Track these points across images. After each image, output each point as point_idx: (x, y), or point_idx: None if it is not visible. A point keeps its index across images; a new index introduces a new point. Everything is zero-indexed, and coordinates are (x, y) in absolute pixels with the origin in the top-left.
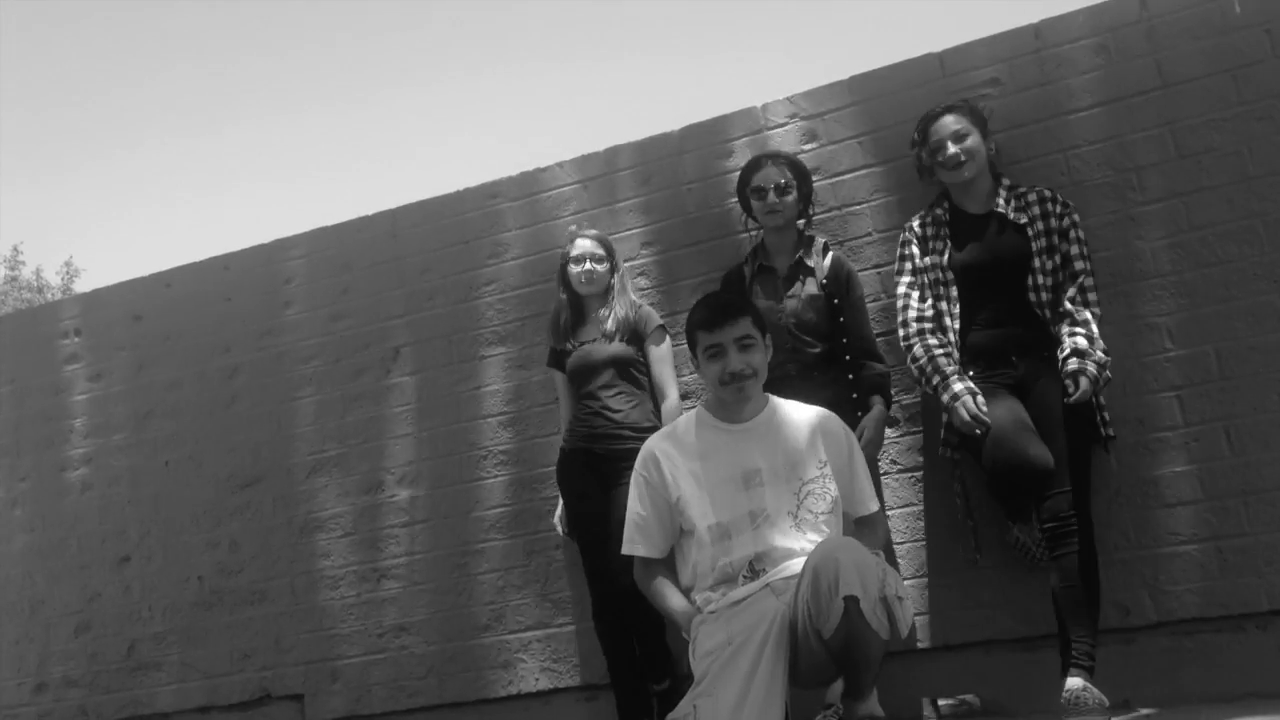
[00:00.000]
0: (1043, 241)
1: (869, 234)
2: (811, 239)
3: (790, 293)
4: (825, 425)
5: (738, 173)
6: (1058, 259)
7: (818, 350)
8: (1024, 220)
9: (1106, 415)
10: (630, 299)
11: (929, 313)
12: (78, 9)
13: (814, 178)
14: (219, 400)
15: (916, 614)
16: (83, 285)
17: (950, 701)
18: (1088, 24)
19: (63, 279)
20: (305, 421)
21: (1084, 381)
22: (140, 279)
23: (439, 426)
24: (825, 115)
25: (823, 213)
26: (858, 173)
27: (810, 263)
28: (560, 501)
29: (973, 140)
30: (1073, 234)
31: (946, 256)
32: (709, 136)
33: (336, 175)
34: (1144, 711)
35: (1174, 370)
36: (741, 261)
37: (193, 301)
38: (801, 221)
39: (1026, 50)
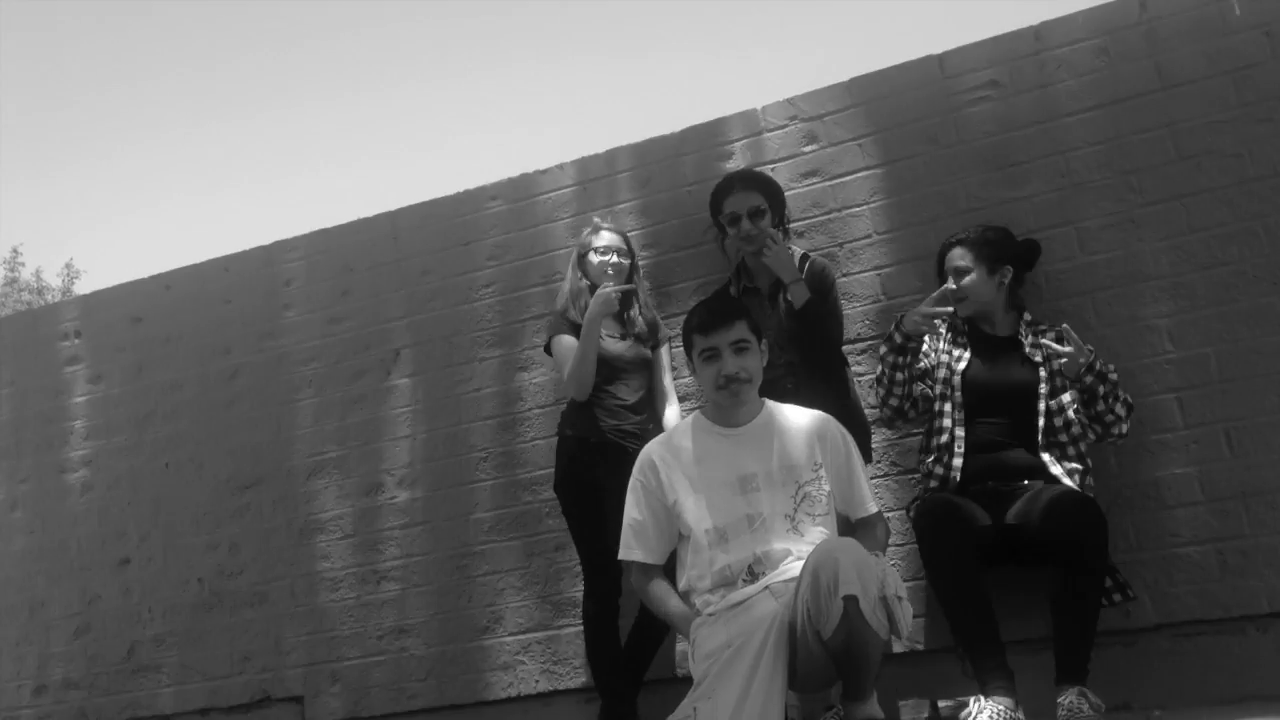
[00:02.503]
0: (1057, 382)
1: (869, 235)
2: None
3: (775, 309)
4: (822, 428)
5: None
6: (1065, 400)
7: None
8: (1038, 358)
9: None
10: (649, 300)
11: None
12: (76, 8)
13: (813, 179)
14: (219, 402)
15: (916, 615)
16: (82, 287)
17: (950, 702)
18: (1087, 26)
19: (63, 280)
20: (305, 423)
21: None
22: (140, 281)
23: (439, 428)
24: (825, 117)
25: (822, 215)
26: (857, 175)
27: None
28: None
29: (970, 280)
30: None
31: (962, 365)
32: (708, 138)
33: (338, 174)
34: (1157, 712)
35: (1174, 372)
36: (726, 282)
37: (193, 303)
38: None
39: (1026, 52)
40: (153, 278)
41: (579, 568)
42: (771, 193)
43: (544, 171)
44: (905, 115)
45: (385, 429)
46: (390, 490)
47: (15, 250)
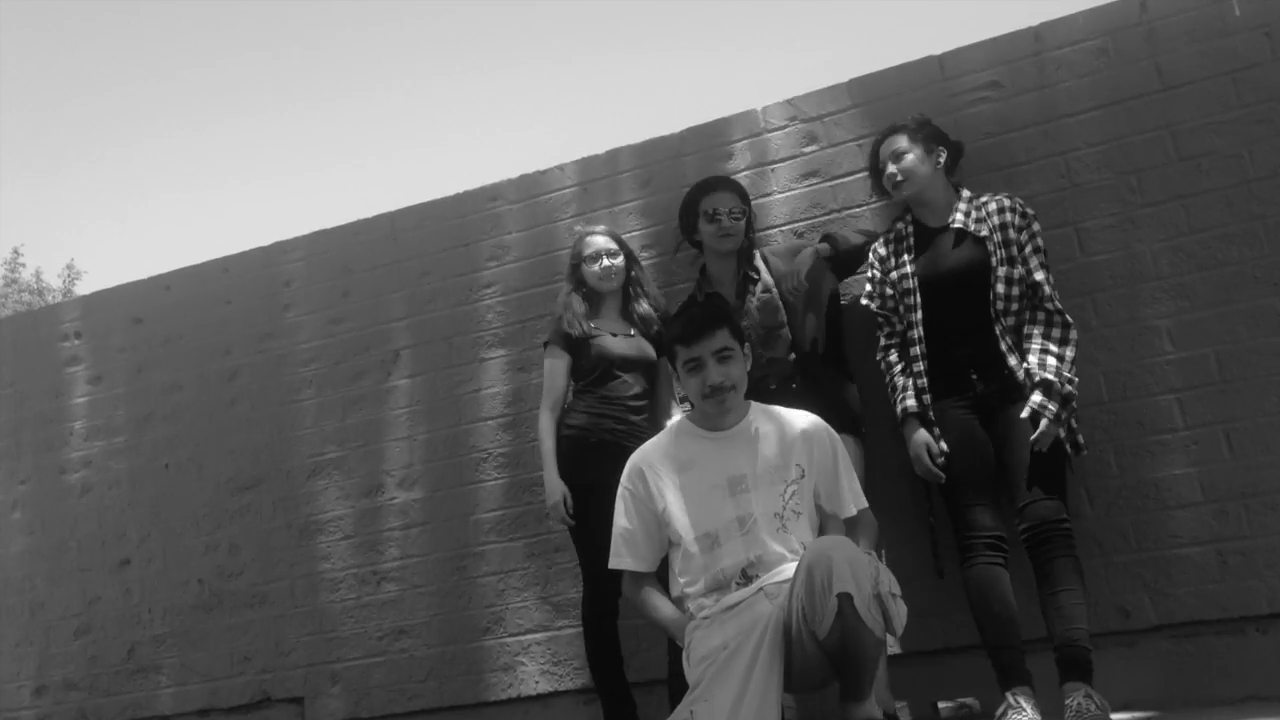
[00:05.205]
0: (1002, 253)
1: None
2: (751, 254)
3: (744, 308)
4: (808, 428)
5: (738, 174)
6: (1020, 271)
7: (793, 357)
8: (984, 232)
9: (1075, 423)
10: (656, 291)
11: (895, 329)
12: (76, 8)
13: (814, 180)
14: (219, 403)
15: (914, 616)
16: (83, 288)
17: (950, 704)
18: (1088, 26)
19: (64, 281)
20: (305, 424)
21: (1045, 424)
22: (140, 281)
23: (439, 429)
24: (825, 118)
25: (822, 215)
26: (857, 175)
27: (753, 274)
28: (559, 488)
29: (910, 159)
30: (1030, 247)
31: (910, 269)
32: (709, 139)
33: (338, 174)
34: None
35: (1174, 373)
36: (692, 294)
37: (193, 304)
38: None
39: (1026, 53)
40: (153, 278)
41: (579, 569)
42: (747, 199)
43: (544, 172)
44: (906, 116)
45: (385, 430)
46: (390, 491)
47: (16, 251)
